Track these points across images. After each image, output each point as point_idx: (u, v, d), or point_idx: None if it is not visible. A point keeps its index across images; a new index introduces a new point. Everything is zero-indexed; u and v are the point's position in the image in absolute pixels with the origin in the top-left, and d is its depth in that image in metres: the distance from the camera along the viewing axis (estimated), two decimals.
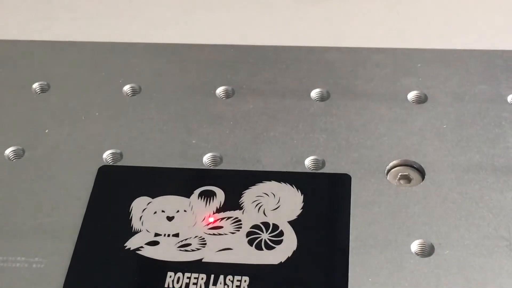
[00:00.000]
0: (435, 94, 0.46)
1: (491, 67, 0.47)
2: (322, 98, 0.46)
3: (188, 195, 0.41)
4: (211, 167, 0.43)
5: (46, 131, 0.45)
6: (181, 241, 0.39)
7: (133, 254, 0.39)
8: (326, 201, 0.41)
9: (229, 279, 0.37)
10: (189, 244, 0.39)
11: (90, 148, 0.44)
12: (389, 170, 0.42)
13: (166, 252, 0.39)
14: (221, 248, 0.39)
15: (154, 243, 0.39)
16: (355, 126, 0.44)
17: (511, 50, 0.48)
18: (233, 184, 0.41)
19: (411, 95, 0.46)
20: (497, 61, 0.47)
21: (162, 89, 0.47)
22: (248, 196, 0.41)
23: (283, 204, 0.40)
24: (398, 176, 0.42)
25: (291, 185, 0.41)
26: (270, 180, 0.42)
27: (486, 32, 0.50)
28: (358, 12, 0.52)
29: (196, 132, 0.44)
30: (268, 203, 0.41)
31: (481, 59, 0.48)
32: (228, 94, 0.47)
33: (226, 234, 0.39)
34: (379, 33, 0.51)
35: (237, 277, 0.38)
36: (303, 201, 0.41)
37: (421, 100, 0.46)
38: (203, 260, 0.38)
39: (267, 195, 0.41)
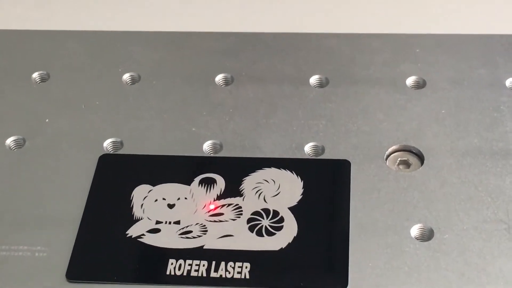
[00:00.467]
0: (434, 80, 0.46)
1: (489, 52, 0.47)
2: (321, 84, 0.46)
3: (188, 182, 0.41)
4: (211, 155, 0.43)
5: (47, 120, 0.45)
6: (182, 228, 0.39)
7: (135, 241, 0.39)
8: (326, 187, 0.41)
9: (230, 266, 0.38)
10: (190, 231, 0.39)
11: (90, 137, 0.44)
12: (388, 156, 0.42)
13: (168, 239, 0.39)
14: (222, 235, 0.39)
15: (155, 231, 0.39)
16: (354, 112, 0.44)
17: (509, 34, 0.48)
18: (233, 171, 0.41)
19: (410, 81, 0.46)
20: (495, 45, 0.47)
21: (162, 77, 0.47)
22: (248, 183, 0.41)
23: (283, 190, 0.41)
24: (397, 161, 0.42)
25: (291, 171, 0.41)
26: (270, 167, 0.42)
27: (483, 17, 0.50)
28: None
29: (196, 120, 0.44)
30: (268, 190, 0.41)
31: (479, 44, 0.48)
32: (227, 82, 0.47)
33: (226, 221, 0.39)
34: (377, 19, 0.51)
35: (238, 264, 0.38)
36: (303, 187, 0.41)
37: (420, 85, 0.46)
38: (204, 247, 0.38)
39: (267, 181, 0.41)
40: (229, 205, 0.40)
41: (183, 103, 0.45)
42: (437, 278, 0.37)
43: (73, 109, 0.45)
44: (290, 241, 0.38)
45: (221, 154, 0.43)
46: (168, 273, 0.37)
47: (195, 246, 0.38)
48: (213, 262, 0.38)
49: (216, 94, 0.46)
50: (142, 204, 0.40)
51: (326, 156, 0.42)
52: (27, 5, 0.53)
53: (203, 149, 0.43)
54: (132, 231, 0.39)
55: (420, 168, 0.41)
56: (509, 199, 0.40)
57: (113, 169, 0.42)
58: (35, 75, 0.47)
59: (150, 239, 0.39)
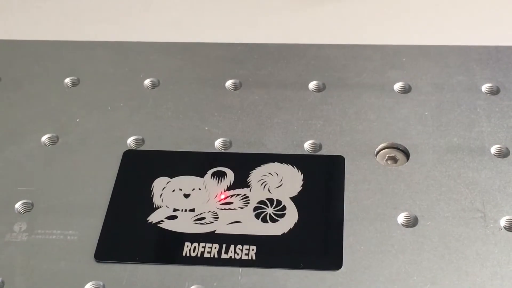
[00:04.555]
0: (418, 85, 0.46)
1: (467, 61, 0.47)
2: (319, 89, 0.46)
3: (202, 175, 0.41)
4: (222, 151, 0.43)
5: (77, 120, 0.45)
6: (196, 215, 0.39)
7: (155, 227, 0.39)
8: (323, 179, 0.41)
9: (239, 248, 0.38)
10: (203, 218, 0.39)
11: (115, 135, 0.44)
12: (378, 152, 0.42)
13: (184, 225, 0.39)
14: (232, 221, 0.39)
15: (173, 217, 0.39)
16: (348, 113, 0.44)
17: (484, 45, 0.48)
18: (241, 165, 0.41)
19: (397, 86, 0.46)
20: (472, 55, 0.47)
21: (178, 82, 0.47)
22: (255, 176, 0.41)
23: (285, 182, 0.41)
24: (386, 157, 0.42)
25: (292, 165, 0.41)
26: (273, 162, 0.42)
27: (462, 30, 0.50)
28: (350, 13, 0.52)
29: (208, 120, 0.44)
30: (272, 182, 0.41)
31: (458, 54, 0.47)
32: (236, 86, 0.47)
33: (235, 209, 0.39)
34: (368, 31, 0.51)
35: (245, 246, 0.38)
36: (302, 180, 0.41)
37: (406, 90, 0.45)
38: (215, 232, 0.38)
39: (271, 174, 0.41)
40: (237, 195, 0.40)
41: (197, 105, 0.45)
42: (420, 260, 0.37)
43: (100, 110, 0.45)
44: (292, 227, 0.38)
45: (231, 150, 0.43)
46: (184, 254, 0.37)
47: (207, 231, 0.38)
48: (224, 245, 0.38)
49: (226, 97, 0.46)
50: (161, 194, 0.40)
51: (323, 152, 0.42)
52: (59, 18, 0.53)
53: (215, 145, 0.43)
54: (152, 218, 0.39)
55: (406, 163, 0.41)
56: (484, 191, 0.39)
57: (135, 163, 0.42)
58: (67, 80, 0.47)
59: (168, 225, 0.39)
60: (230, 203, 0.40)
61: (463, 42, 0.48)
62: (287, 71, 0.47)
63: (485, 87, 0.45)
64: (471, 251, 0.37)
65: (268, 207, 0.39)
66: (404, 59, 0.47)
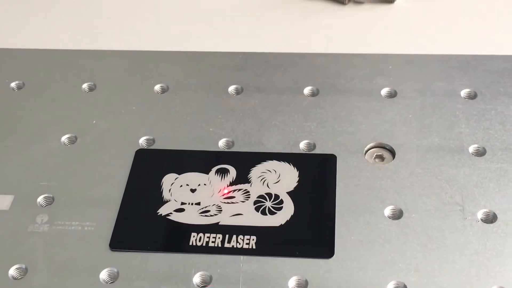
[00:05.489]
0: (403, 90, 0.46)
1: (448, 69, 0.47)
2: (313, 94, 0.46)
3: (207, 172, 0.41)
4: (225, 150, 0.43)
5: (94, 122, 0.45)
6: (202, 208, 0.39)
7: (164, 219, 0.39)
8: (317, 176, 0.41)
9: (240, 238, 0.38)
10: (208, 211, 0.39)
11: (128, 135, 0.44)
12: (366, 151, 0.42)
13: (190, 217, 0.39)
14: (234, 214, 0.39)
15: (180, 210, 0.39)
16: (339, 116, 0.44)
17: (463, 54, 0.48)
18: (243, 163, 0.41)
19: (384, 91, 0.46)
20: (452, 63, 0.47)
21: (185, 88, 0.47)
22: (255, 172, 0.41)
23: (282, 178, 0.40)
24: (374, 155, 0.42)
25: (289, 163, 0.41)
26: (272, 160, 0.42)
27: (443, 40, 0.50)
28: (341, 25, 0.52)
29: (213, 122, 0.44)
30: (271, 178, 0.41)
31: (440, 62, 0.47)
32: (237, 91, 0.46)
33: (237, 202, 0.39)
34: (358, 41, 0.51)
35: (246, 236, 0.38)
36: (298, 176, 0.41)
37: (392, 95, 0.45)
38: (219, 223, 0.38)
39: (270, 171, 0.41)
40: (239, 190, 0.40)
41: (203, 109, 0.45)
42: (405, 249, 0.37)
43: (114, 113, 0.45)
44: (288, 219, 0.38)
45: (233, 149, 0.43)
46: (190, 244, 0.37)
47: (212, 223, 0.38)
48: (227, 235, 0.38)
49: (228, 101, 0.46)
50: (170, 189, 0.40)
51: (317, 151, 0.42)
52: (78, 29, 0.53)
53: (219, 145, 0.43)
54: (162, 210, 0.39)
55: (392, 161, 0.41)
56: (463, 186, 0.39)
57: (147, 161, 0.42)
58: (85, 85, 0.47)
59: (176, 217, 0.39)
60: (233, 197, 0.40)
61: (444, 52, 0.48)
62: (284, 77, 0.47)
63: (463, 93, 0.45)
64: (451, 241, 0.37)
65: (267, 201, 0.39)
66: (390, 67, 0.47)
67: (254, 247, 0.37)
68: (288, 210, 0.39)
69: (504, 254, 0.36)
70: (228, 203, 0.39)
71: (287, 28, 0.52)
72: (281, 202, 0.39)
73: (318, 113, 0.44)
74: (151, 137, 0.44)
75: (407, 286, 0.35)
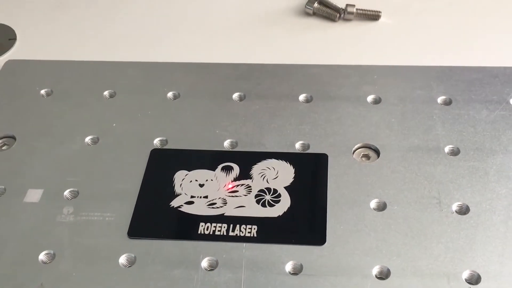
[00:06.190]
0: (387, 97, 0.45)
1: (426, 78, 0.47)
2: (307, 100, 0.46)
3: (213, 169, 0.41)
4: (230, 149, 0.43)
5: (114, 125, 0.45)
6: (209, 201, 0.39)
7: (176, 210, 0.39)
8: (310, 173, 0.41)
9: (243, 227, 0.38)
10: (215, 203, 0.39)
11: (144, 137, 0.44)
12: (354, 151, 0.42)
13: (199, 209, 0.39)
14: (237, 206, 0.39)
15: (190, 203, 0.39)
16: (331, 120, 0.44)
17: (440, 66, 0.48)
18: (245, 161, 0.41)
19: (370, 98, 0.46)
20: (430, 74, 0.47)
21: (195, 95, 0.47)
22: (256, 169, 0.41)
23: (280, 175, 0.40)
24: (361, 155, 0.42)
25: (286, 161, 0.41)
26: (271, 158, 0.42)
27: (422, 53, 0.50)
28: (332, 39, 0.52)
29: (219, 125, 0.44)
30: (270, 174, 0.41)
31: (419, 73, 0.47)
32: (241, 98, 0.46)
33: (240, 196, 0.39)
34: (347, 54, 0.51)
35: (248, 226, 0.38)
36: (294, 173, 0.41)
37: (377, 101, 0.45)
38: (224, 214, 0.38)
39: (269, 168, 0.41)
40: (242, 185, 0.40)
41: (210, 113, 0.45)
42: (388, 237, 0.37)
43: (132, 117, 0.45)
44: (285, 211, 0.38)
45: (237, 149, 0.43)
46: (199, 232, 0.38)
47: (218, 214, 0.38)
48: (231, 225, 0.38)
49: (232, 107, 0.46)
50: (181, 184, 0.40)
51: (310, 151, 0.42)
52: (100, 43, 0.53)
53: (224, 145, 0.43)
54: (174, 203, 0.39)
55: (377, 160, 0.41)
56: (439, 182, 0.40)
57: (160, 159, 0.42)
58: (106, 93, 0.47)
59: (186, 209, 0.39)
60: (236, 191, 0.40)
61: (423, 63, 0.48)
62: (282, 86, 0.47)
63: (440, 99, 0.45)
64: (429, 230, 0.37)
65: (266, 194, 0.39)
66: (375, 77, 0.47)
67: (255, 235, 0.37)
68: (285, 202, 0.39)
69: (475, 242, 0.36)
70: (232, 196, 0.39)
71: (285, 42, 0.52)
72: (279, 195, 0.39)
73: (312, 117, 0.44)
74: (164, 138, 0.44)
75: (390, 269, 0.36)
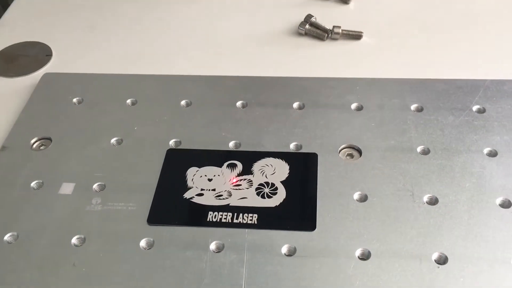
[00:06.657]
0: (367, 105, 0.45)
1: (402, 89, 0.47)
2: (300, 108, 0.46)
3: (220, 166, 0.41)
4: (234, 149, 0.43)
5: (135, 128, 0.45)
6: (217, 193, 0.39)
7: (188, 201, 0.39)
8: (303, 169, 0.41)
9: (245, 216, 0.38)
10: (221, 195, 0.39)
11: (161, 138, 0.44)
12: (340, 150, 0.42)
13: (208, 200, 0.39)
14: (240, 197, 0.39)
15: (200, 195, 0.39)
16: (319, 124, 0.44)
17: (414, 78, 0.48)
18: (247, 159, 0.41)
19: (353, 106, 0.46)
20: (405, 85, 0.47)
21: (204, 103, 0.47)
22: (256, 166, 0.41)
23: (277, 171, 0.41)
24: (346, 154, 0.42)
25: (282, 159, 0.41)
26: (269, 157, 0.42)
27: (398, 68, 0.50)
28: (320, 56, 0.53)
29: (225, 128, 0.44)
30: (268, 170, 0.41)
31: (396, 84, 0.47)
32: (243, 106, 0.46)
33: (243, 189, 0.39)
34: (333, 68, 0.51)
35: (250, 215, 0.38)
36: (289, 169, 0.41)
37: (359, 109, 0.45)
38: (230, 205, 0.38)
39: (268, 165, 0.41)
40: (244, 179, 0.40)
41: (217, 118, 0.45)
42: (369, 224, 0.37)
43: (151, 122, 0.45)
44: (281, 201, 0.39)
45: (240, 149, 0.43)
46: (208, 220, 0.38)
47: (224, 204, 0.39)
48: (235, 214, 0.38)
49: (236, 113, 0.45)
50: (192, 179, 0.40)
51: (303, 151, 0.42)
52: (123, 58, 0.53)
53: (229, 146, 0.43)
54: (186, 195, 0.39)
55: (360, 158, 0.41)
56: (412, 177, 0.40)
57: (175, 158, 0.42)
58: (128, 101, 0.47)
59: (197, 200, 0.39)
60: (240, 185, 0.40)
61: (398, 76, 0.48)
62: (278, 95, 0.47)
63: (413, 107, 0.45)
64: (404, 218, 0.37)
65: (265, 187, 0.40)
66: (357, 88, 0.47)
67: (256, 222, 0.37)
68: (281, 194, 0.39)
69: (443, 228, 0.37)
70: (236, 189, 0.40)
71: (281, 58, 0.53)
72: (276, 189, 0.39)
73: (304, 122, 0.44)
74: (178, 140, 0.44)
75: (371, 252, 0.36)
